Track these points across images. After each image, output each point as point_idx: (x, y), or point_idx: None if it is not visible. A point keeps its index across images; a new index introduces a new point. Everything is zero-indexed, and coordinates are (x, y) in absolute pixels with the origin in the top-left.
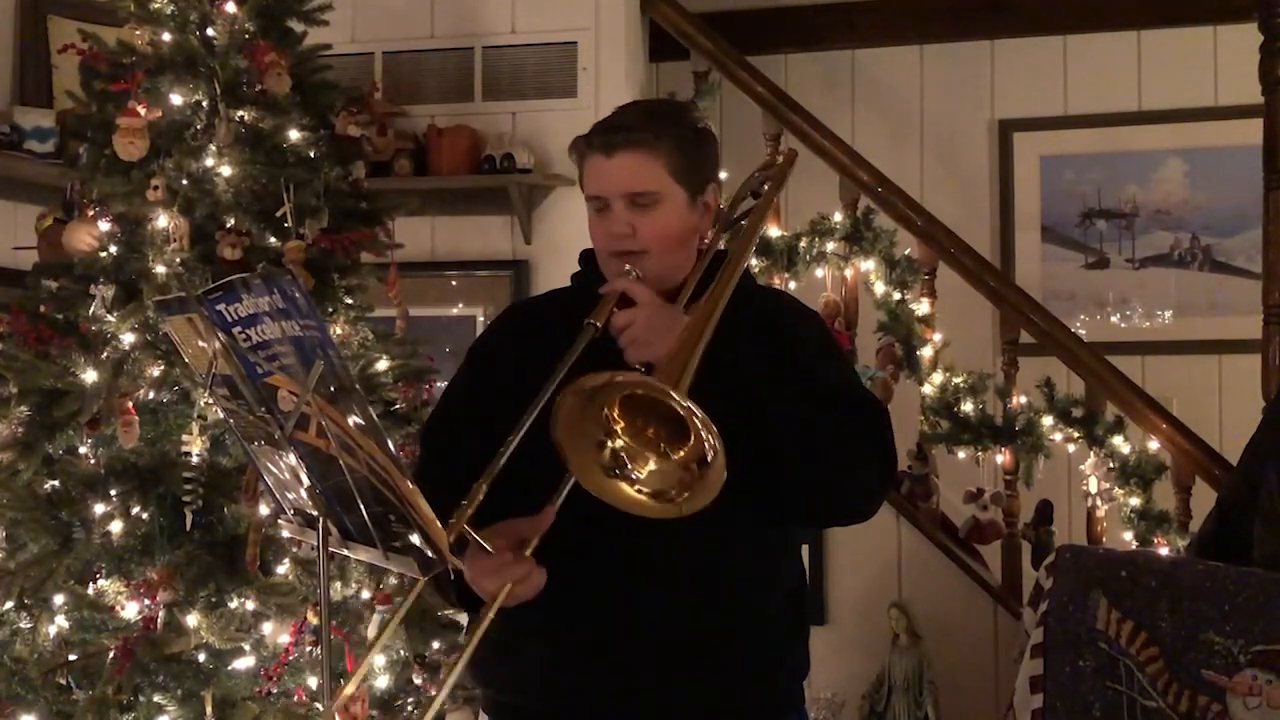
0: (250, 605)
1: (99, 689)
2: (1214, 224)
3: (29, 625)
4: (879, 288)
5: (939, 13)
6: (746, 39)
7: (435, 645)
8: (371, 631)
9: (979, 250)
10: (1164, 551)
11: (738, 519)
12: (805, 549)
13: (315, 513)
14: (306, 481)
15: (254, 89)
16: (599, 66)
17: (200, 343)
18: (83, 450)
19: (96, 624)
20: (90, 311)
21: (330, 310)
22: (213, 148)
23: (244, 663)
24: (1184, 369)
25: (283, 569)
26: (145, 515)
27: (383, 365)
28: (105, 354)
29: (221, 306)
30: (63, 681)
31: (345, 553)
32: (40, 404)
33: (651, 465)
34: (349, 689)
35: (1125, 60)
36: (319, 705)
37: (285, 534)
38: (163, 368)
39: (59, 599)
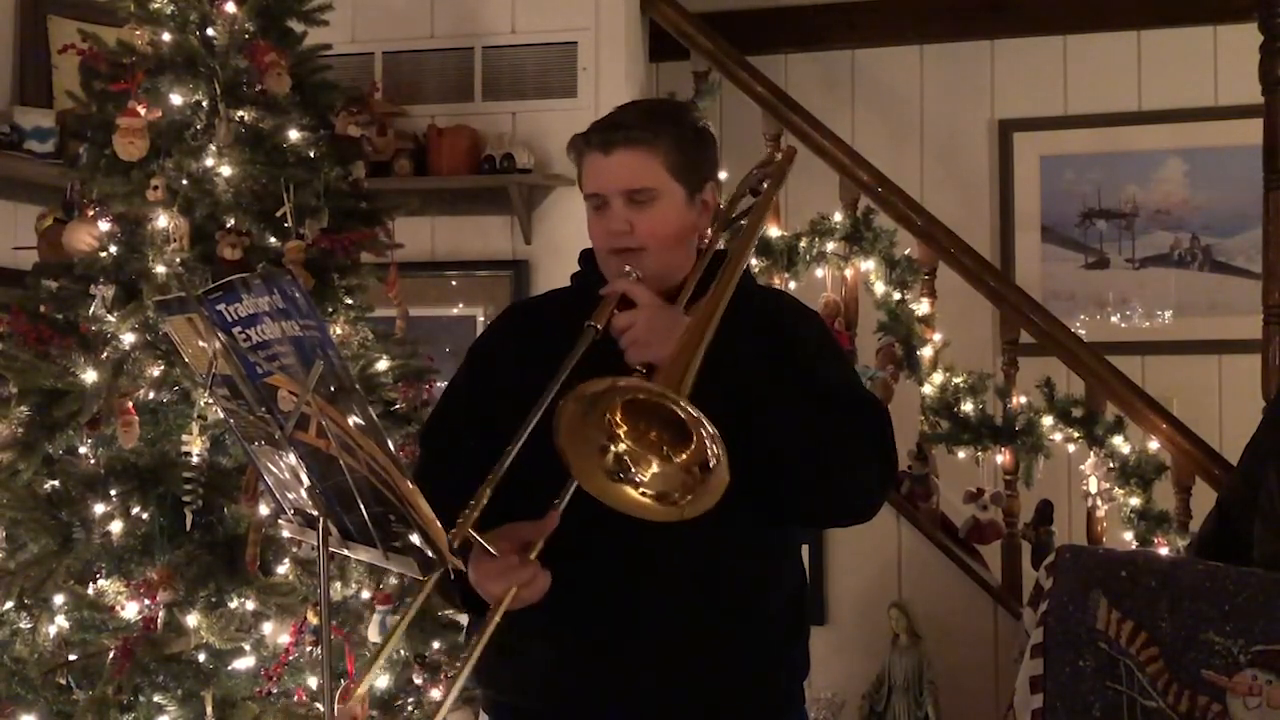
0: (250, 605)
1: (99, 689)
2: (1214, 224)
3: (29, 625)
4: (879, 288)
5: (939, 13)
6: (746, 39)
7: (435, 645)
8: (371, 631)
9: (979, 250)
10: (1164, 551)
11: (738, 520)
12: (805, 549)
13: (315, 513)
14: (306, 481)
15: (254, 89)
16: (599, 66)
17: (200, 343)
18: (83, 450)
19: (96, 624)
20: (90, 311)
21: (330, 310)
22: (213, 148)
23: (244, 663)
24: (1184, 369)
25: (283, 569)
26: (145, 515)
27: (383, 365)
28: (105, 354)
29: (221, 306)
30: (63, 681)
31: (345, 553)
32: (40, 404)
33: (654, 468)
34: (361, 689)
35: (1125, 60)
36: (319, 705)
37: (285, 534)
38: (163, 368)
39: (59, 599)
